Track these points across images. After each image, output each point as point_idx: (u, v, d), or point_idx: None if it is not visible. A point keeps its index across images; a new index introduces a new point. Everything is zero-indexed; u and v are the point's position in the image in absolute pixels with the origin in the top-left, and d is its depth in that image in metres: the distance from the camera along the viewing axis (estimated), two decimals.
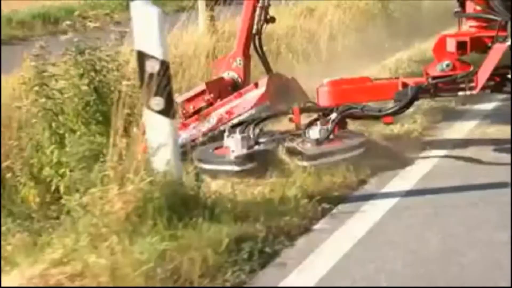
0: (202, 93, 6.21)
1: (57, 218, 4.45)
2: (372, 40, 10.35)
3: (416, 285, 3.35)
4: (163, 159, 3.93)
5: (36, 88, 5.40)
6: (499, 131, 6.11)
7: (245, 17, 6.42)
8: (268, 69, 6.59)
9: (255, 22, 6.37)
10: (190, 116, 6.13)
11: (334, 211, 4.32)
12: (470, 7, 5.95)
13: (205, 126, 5.95)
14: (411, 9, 11.51)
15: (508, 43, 5.59)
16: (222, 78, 6.39)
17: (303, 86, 6.78)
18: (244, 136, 5.29)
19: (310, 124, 5.50)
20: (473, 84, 5.66)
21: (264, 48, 9.03)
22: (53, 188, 5.24)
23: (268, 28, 9.35)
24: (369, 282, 3.35)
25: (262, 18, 6.36)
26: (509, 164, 5.18)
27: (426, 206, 4.38)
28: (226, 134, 5.38)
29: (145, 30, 4.03)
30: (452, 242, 3.79)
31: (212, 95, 6.17)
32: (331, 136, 5.38)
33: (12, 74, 7.04)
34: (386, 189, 4.73)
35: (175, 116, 4.19)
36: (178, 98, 6.01)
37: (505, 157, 5.37)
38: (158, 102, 3.94)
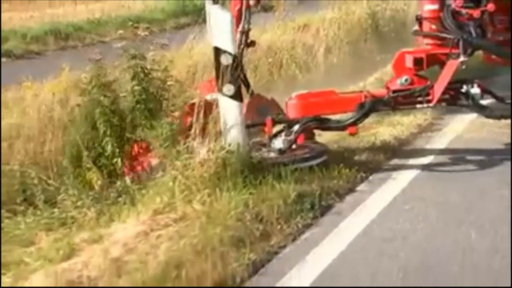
0: (186, 114, 6.29)
1: (118, 197, 5.35)
2: (365, 53, 11.25)
3: (444, 227, 4.30)
4: (233, 134, 4.94)
5: (95, 88, 6.34)
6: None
7: None
8: (249, 91, 6.67)
9: (236, 46, 6.26)
10: None
11: (370, 178, 5.34)
12: (426, 26, 6.28)
13: (191, 146, 6.03)
14: (398, 25, 12.42)
15: (461, 59, 5.89)
16: (205, 100, 6.44)
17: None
18: None
19: (275, 135, 5.78)
20: (429, 98, 5.99)
21: (269, 60, 10.10)
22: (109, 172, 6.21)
23: (269, 41, 10.32)
24: (411, 223, 4.33)
25: (243, 42, 6.40)
26: None
27: (444, 175, 5.43)
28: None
29: (220, 31, 5.01)
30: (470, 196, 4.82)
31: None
32: (294, 146, 5.68)
33: (49, 81, 7.90)
34: (411, 162, 5.78)
35: (242, 100, 5.21)
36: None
37: None
38: (229, 88, 5.00)
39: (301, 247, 4.10)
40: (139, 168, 5.97)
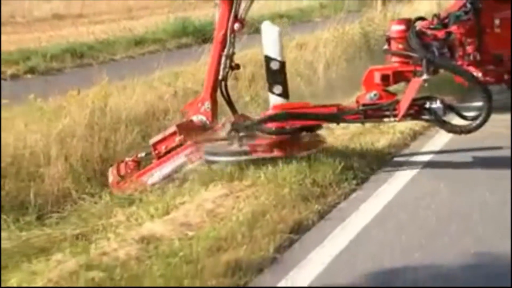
0: (173, 134, 6.77)
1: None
2: (359, 69, 12.40)
3: None
4: None
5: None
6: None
7: (212, 64, 6.88)
8: (233, 111, 7.03)
9: (221, 69, 6.81)
10: (162, 156, 6.75)
11: (395, 159, 6.77)
12: (394, 45, 6.67)
13: (177, 164, 6.60)
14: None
15: (424, 77, 6.20)
16: (191, 121, 6.92)
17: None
18: (243, 136, 6.32)
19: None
20: (396, 112, 6.25)
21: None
22: None
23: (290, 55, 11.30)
24: (434, 188, 5.54)
25: (228, 65, 6.79)
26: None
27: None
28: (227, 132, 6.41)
29: (270, 42, 6.28)
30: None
31: (182, 136, 6.71)
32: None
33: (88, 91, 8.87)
34: (425, 149, 7.01)
35: (288, 97, 6.58)
36: (151, 140, 6.91)
37: None
38: (278, 88, 6.26)
39: (352, 202, 5.48)
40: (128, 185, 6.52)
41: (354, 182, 5.81)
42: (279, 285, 4.13)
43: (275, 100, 6.62)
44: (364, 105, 6.35)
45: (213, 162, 6.31)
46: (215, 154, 6.30)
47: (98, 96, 8.35)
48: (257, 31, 13.75)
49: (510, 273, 4.21)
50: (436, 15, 8.07)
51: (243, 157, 6.10)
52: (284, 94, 6.65)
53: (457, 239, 4.54)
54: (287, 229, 4.68)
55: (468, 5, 7.79)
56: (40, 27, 17.76)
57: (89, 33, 15.84)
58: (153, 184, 6.38)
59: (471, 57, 7.62)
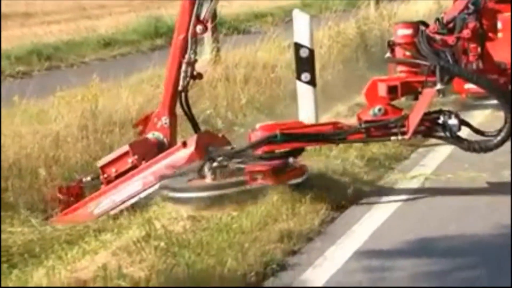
0: (125, 155, 6.75)
1: None
2: (357, 71, 13.28)
3: None
4: (308, 113, 7.09)
5: None
6: None
7: (170, 73, 6.88)
8: (195, 128, 7.09)
9: (181, 78, 6.81)
10: (112, 181, 6.71)
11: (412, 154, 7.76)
12: (399, 53, 6.61)
13: (130, 191, 6.57)
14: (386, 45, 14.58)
15: (437, 87, 6.27)
16: (146, 139, 6.95)
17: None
18: (220, 165, 6.23)
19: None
20: (404, 129, 6.29)
21: (272, 76, 11.98)
22: None
23: (266, 59, 12.21)
24: None
25: (189, 74, 6.79)
26: None
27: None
28: (204, 163, 6.25)
29: (301, 29, 7.15)
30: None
31: (136, 156, 6.71)
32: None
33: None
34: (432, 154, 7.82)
35: (316, 85, 7.25)
36: (99, 163, 6.92)
37: None
38: (306, 75, 7.11)
39: (386, 184, 6.79)
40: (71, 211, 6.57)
41: (382, 169, 7.12)
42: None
43: (302, 88, 7.52)
44: (367, 122, 6.38)
45: (178, 201, 6.12)
46: (181, 190, 6.14)
47: (88, 97, 9.17)
48: (237, 30, 14.84)
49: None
50: (438, 19, 7.96)
51: (223, 191, 6.02)
52: (312, 82, 7.58)
53: None
54: None
55: (471, 6, 7.65)
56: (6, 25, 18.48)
57: (46, 33, 16.62)
58: (100, 215, 6.40)
59: (474, 66, 7.40)
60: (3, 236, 5.97)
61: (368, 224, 6.03)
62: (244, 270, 4.96)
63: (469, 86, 7.74)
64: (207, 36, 11.54)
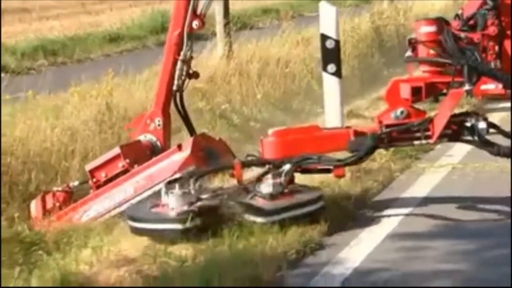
0: (116, 158, 6.59)
1: None
2: (372, 67, 13.74)
3: None
4: (334, 104, 7.48)
5: None
6: None
7: (165, 71, 6.74)
8: (191, 131, 6.93)
9: (176, 77, 6.67)
10: (101, 186, 6.56)
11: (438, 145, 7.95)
12: (423, 51, 6.49)
13: (121, 196, 6.43)
14: (401, 40, 14.95)
15: (465, 88, 6.22)
16: (138, 141, 6.77)
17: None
18: (185, 192, 5.88)
19: (260, 178, 6.11)
20: (429, 133, 6.22)
21: (286, 70, 12.41)
22: None
23: (280, 55, 12.65)
24: None
25: (184, 72, 6.64)
26: None
27: None
28: (163, 190, 5.97)
29: (327, 20, 7.60)
30: None
31: (128, 160, 6.54)
32: (286, 190, 6.07)
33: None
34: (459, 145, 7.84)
35: (341, 76, 7.71)
36: (87, 166, 6.76)
37: None
38: (332, 66, 7.55)
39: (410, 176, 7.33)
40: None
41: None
42: None
43: (328, 79, 7.98)
44: (388, 126, 6.31)
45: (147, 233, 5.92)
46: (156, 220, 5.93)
47: (103, 92, 9.60)
48: (245, 26, 15.26)
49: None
50: (458, 16, 8.25)
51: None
52: (338, 73, 8.02)
53: None
54: None
55: (489, 2, 7.91)
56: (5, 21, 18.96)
57: (49, 28, 17.12)
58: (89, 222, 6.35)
59: (492, 65, 7.60)
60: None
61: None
62: (284, 249, 5.50)
63: (486, 87, 8.00)
64: (219, 31, 11.97)
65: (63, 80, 10.34)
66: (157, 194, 6.13)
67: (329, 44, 8.02)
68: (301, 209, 5.94)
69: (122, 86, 10.38)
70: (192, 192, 5.88)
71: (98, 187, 6.55)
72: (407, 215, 6.54)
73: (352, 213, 6.54)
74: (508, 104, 8.35)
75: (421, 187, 7.29)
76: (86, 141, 8.40)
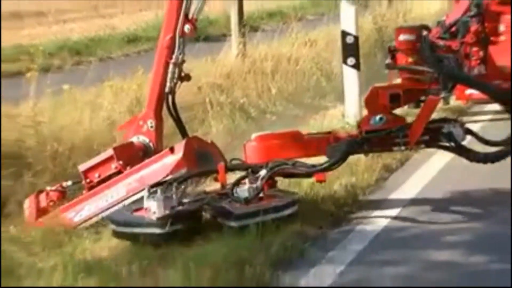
0: (109, 159, 6.53)
1: None
2: (375, 66, 14.22)
3: None
4: (353, 96, 8.15)
5: None
6: None
7: (157, 74, 6.71)
8: (183, 133, 6.85)
9: (168, 79, 6.62)
10: (94, 186, 6.49)
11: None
12: (401, 59, 6.52)
13: (114, 197, 6.38)
14: None
15: (441, 95, 6.38)
16: (131, 143, 6.71)
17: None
18: (167, 196, 5.81)
19: (238, 182, 6.00)
20: (407, 139, 6.25)
21: (297, 68, 13.03)
22: None
23: (295, 53, 13.25)
24: None
25: (176, 75, 6.60)
26: None
27: None
28: (145, 194, 5.90)
29: (347, 18, 8.28)
30: None
31: (121, 162, 6.49)
32: (261, 195, 5.98)
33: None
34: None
35: (360, 69, 8.38)
36: (81, 167, 6.67)
37: None
38: (351, 60, 8.25)
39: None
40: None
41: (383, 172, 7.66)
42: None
43: (348, 71, 8.62)
44: (367, 132, 6.34)
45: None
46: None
47: (133, 87, 10.21)
48: (253, 29, 15.85)
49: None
50: (440, 22, 8.21)
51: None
52: (357, 66, 8.65)
53: None
54: None
55: (473, 8, 7.74)
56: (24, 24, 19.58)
57: (67, 31, 17.76)
58: (82, 222, 6.33)
59: (476, 71, 7.51)
60: None
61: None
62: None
63: (471, 92, 8.02)
64: (234, 32, 12.58)
65: (90, 76, 10.72)
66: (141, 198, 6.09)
67: (349, 39, 8.74)
68: (274, 213, 5.85)
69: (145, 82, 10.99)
70: (174, 196, 5.83)
71: (91, 187, 6.48)
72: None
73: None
74: (493, 107, 8.82)
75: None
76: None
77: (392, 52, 6.63)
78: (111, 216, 6.09)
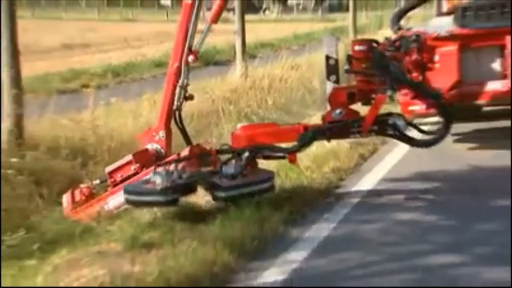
0: (129, 163, 6.42)
1: None
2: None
3: None
4: None
5: None
6: None
7: (166, 95, 6.56)
8: (188, 141, 6.66)
9: (176, 99, 6.50)
10: (118, 184, 6.37)
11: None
12: (357, 65, 6.51)
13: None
14: None
15: (388, 94, 6.20)
16: (146, 150, 6.56)
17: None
18: (168, 172, 5.77)
19: (226, 162, 5.95)
20: (360, 129, 6.19)
21: (287, 85, 13.37)
22: None
23: (284, 73, 13.60)
24: None
25: (182, 96, 6.49)
26: None
27: None
28: (152, 171, 5.87)
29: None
30: None
31: (138, 165, 6.37)
32: (244, 172, 5.85)
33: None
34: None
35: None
36: (107, 169, 6.55)
37: None
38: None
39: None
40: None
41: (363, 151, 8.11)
42: None
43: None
44: (330, 122, 6.30)
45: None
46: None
47: None
48: (251, 56, 16.18)
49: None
50: (387, 38, 7.86)
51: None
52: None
53: None
54: None
55: (414, 36, 7.69)
56: (64, 54, 20.01)
57: (107, 58, 18.18)
58: (110, 212, 6.19)
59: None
60: None
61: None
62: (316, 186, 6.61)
63: (414, 108, 7.74)
64: (238, 58, 12.90)
65: (130, 92, 11.12)
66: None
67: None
68: (254, 186, 5.85)
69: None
70: (175, 173, 5.81)
71: (115, 185, 6.39)
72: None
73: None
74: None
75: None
76: None
77: (349, 60, 6.64)
78: (126, 187, 6.05)
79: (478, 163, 7.45)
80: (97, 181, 6.61)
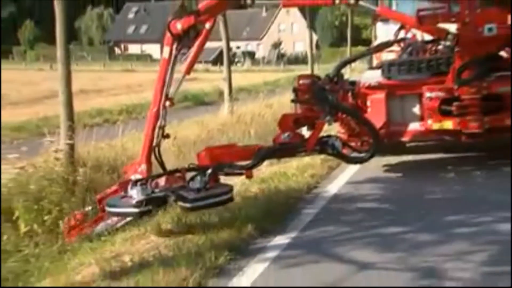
0: (115, 191, 6.16)
1: None
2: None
3: None
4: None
5: None
6: None
7: (147, 134, 6.28)
8: (164, 171, 6.24)
9: (155, 137, 6.25)
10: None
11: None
12: (302, 96, 6.54)
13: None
14: None
15: (327, 119, 6.14)
16: (131, 180, 6.12)
17: None
18: (143, 187, 5.59)
19: (192, 178, 5.68)
20: (305, 148, 6.11)
21: (264, 119, 14.05)
22: None
23: (262, 110, 14.31)
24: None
25: (160, 135, 6.24)
26: None
27: None
28: (129, 186, 5.64)
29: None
30: None
31: (123, 193, 5.96)
32: (207, 186, 5.59)
33: None
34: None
35: None
36: (98, 196, 6.25)
37: None
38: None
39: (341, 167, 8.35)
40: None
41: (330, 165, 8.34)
42: None
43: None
44: (280, 144, 6.19)
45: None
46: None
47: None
48: (235, 98, 16.87)
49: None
50: (327, 75, 7.38)
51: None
52: None
53: None
54: None
55: (350, 81, 7.73)
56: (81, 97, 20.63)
57: (118, 100, 18.86)
58: (98, 234, 6.04)
59: (354, 129, 7.17)
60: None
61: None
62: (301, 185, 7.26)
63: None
64: (226, 98, 13.77)
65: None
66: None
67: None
68: (216, 198, 5.62)
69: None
70: (148, 187, 5.64)
71: (103, 210, 6.12)
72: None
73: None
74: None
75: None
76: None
77: (295, 92, 6.68)
78: (108, 201, 5.87)
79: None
80: (89, 208, 6.44)
